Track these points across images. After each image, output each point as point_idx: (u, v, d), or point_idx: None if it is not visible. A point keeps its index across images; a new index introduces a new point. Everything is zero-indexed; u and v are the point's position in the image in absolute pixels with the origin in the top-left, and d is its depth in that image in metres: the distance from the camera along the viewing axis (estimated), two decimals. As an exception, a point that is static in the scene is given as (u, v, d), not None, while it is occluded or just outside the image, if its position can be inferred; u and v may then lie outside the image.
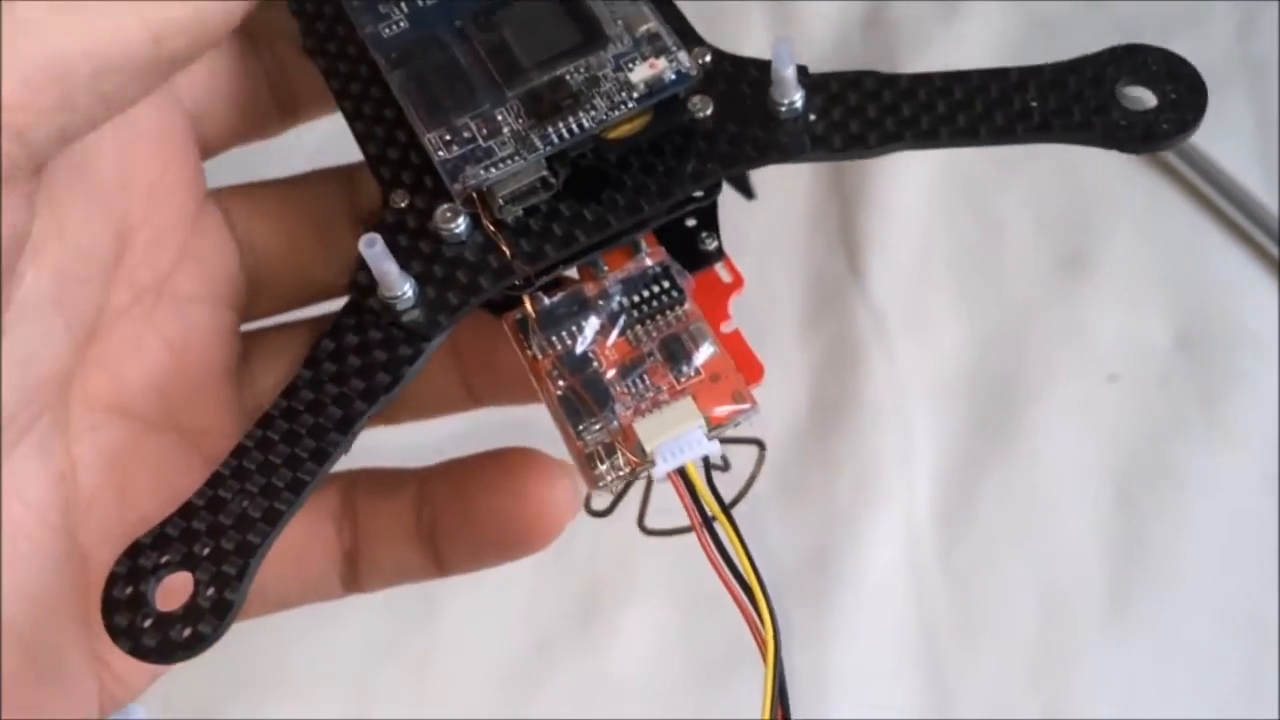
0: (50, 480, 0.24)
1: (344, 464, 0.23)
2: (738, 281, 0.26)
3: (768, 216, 0.47)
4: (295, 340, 0.29)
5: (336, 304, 0.29)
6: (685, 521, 0.22)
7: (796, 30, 0.52)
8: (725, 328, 0.25)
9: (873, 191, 0.48)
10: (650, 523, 0.27)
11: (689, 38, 0.25)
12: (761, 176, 0.48)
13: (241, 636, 0.41)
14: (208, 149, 0.28)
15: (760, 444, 0.25)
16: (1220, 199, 0.47)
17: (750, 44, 0.51)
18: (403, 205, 0.24)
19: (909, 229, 0.47)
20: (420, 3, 0.25)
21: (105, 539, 0.25)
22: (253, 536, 0.21)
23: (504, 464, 0.27)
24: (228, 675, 0.41)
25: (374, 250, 0.22)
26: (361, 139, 0.25)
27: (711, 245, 0.26)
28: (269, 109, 0.29)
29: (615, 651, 0.41)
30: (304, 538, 0.28)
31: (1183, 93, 0.23)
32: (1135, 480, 0.43)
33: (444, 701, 0.41)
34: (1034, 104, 0.23)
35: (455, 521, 0.27)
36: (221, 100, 0.28)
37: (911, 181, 0.48)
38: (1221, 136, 0.48)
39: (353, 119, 0.25)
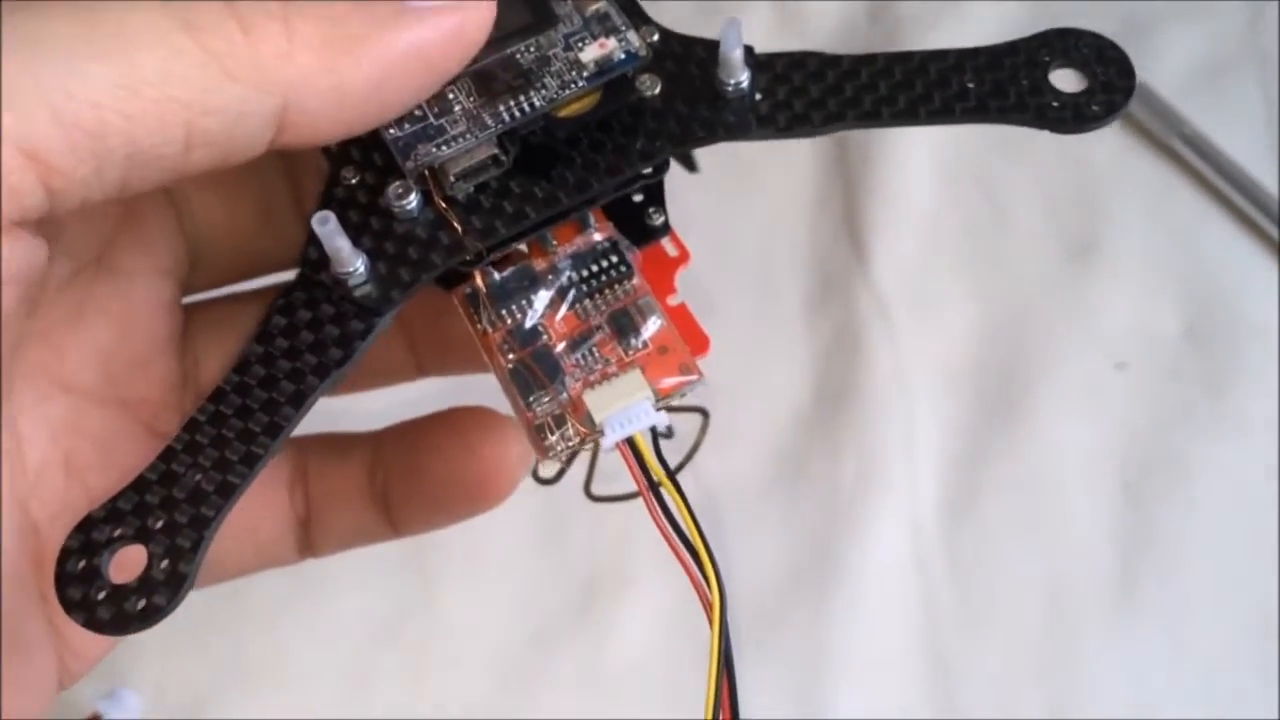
0: None
1: (296, 430, 0.23)
2: (684, 255, 0.26)
3: (772, 203, 0.47)
4: (238, 313, 0.29)
5: (278, 277, 0.29)
6: (632, 488, 0.23)
7: (800, 28, 0.52)
8: (672, 301, 0.26)
9: (877, 177, 0.48)
10: (597, 489, 0.28)
11: (637, 17, 0.25)
12: (765, 163, 0.49)
13: (236, 623, 0.41)
14: None
15: (704, 412, 0.26)
16: (1229, 188, 0.48)
17: (753, 36, 0.51)
18: (353, 181, 0.24)
19: (914, 215, 0.48)
20: None
21: (55, 513, 0.25)
22: (206, 509, 0.21)
23: (454, 423, 0.28)
24: (222, 663, 0.42)
25: (327, 228, 0.22)
26: None
27: (658, 220, 0.26)
28: None
29: (613, 639, 0.42)
30: (257, 505, 0.28)
31: (1112, 76, 0.24)
32: (1142, 469, 0.43)
33: (442, 689, 0.41)
34: (970, 85, 0.24)
35: (407, 482, 0.28)
36: None
37: (916, 168, 0.48)
38: (1231, 126, 0.48)
39: None
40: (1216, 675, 0.40)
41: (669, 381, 0.23)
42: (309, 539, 0.29)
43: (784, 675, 0.41)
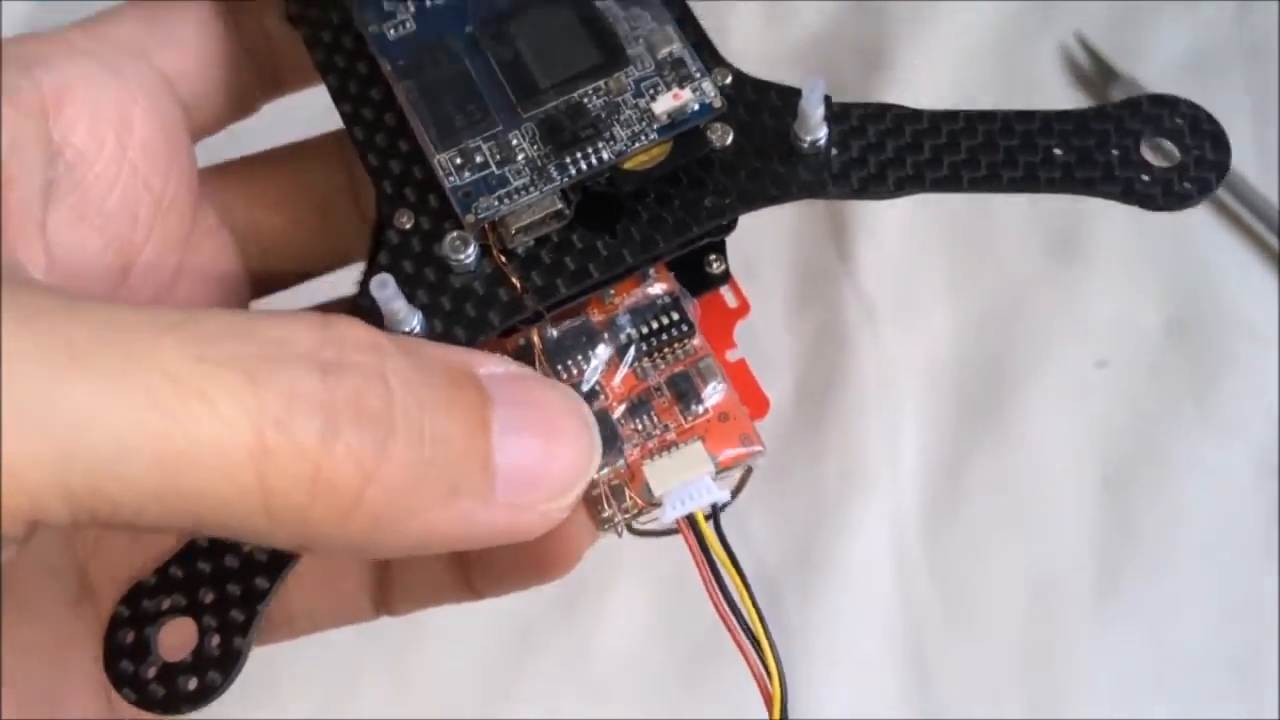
0: None
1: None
2: (744, 307, 0.25)
3: None
4: None
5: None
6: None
7: (790, 5, 0.50)
8: (731, 355, 0.25)
9: None
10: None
11: (711, 57, 0.24)
12: None
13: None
14: (197, 136, 0.27)
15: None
16: None
17: (740, 26, 0.50)
18: (408, 226, 0.23)
19: (897, 214, 0.47)
20: (428, 3, 0.24)
21: (114, 578, 0.24)
22: (260, 581, 0.21)
23: None
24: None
25: (385, 293, 0.21)
26: (362, 147, 0.24)
27: (719, 268, 0.25)
28: (256, 86, 0.28)
29: (598, 638, 0.41)
30: (336, 562, 0.27)
31: (1205, 150, 0.23)
32: (1124, 467, 0.43)
33: (427, 688, 0.41)
34: (1057, 151, 0.23)
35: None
36: (213, 87, 0.27)
37: None
38: (1216, 116, 0.47)
39: (352, 123, 0.24)
40: (1198, 672, 0.41)
41: (730, 454, 0.23)
42: (386, 597, 0.27)
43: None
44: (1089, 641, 0.41)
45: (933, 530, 0.42)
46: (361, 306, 0.22)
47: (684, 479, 0.22)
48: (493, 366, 0.20)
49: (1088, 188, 0.23)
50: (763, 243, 0.47)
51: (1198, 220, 0.47)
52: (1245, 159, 0.47)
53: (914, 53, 0.49)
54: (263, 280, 0.28)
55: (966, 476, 0.43)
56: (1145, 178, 0.23)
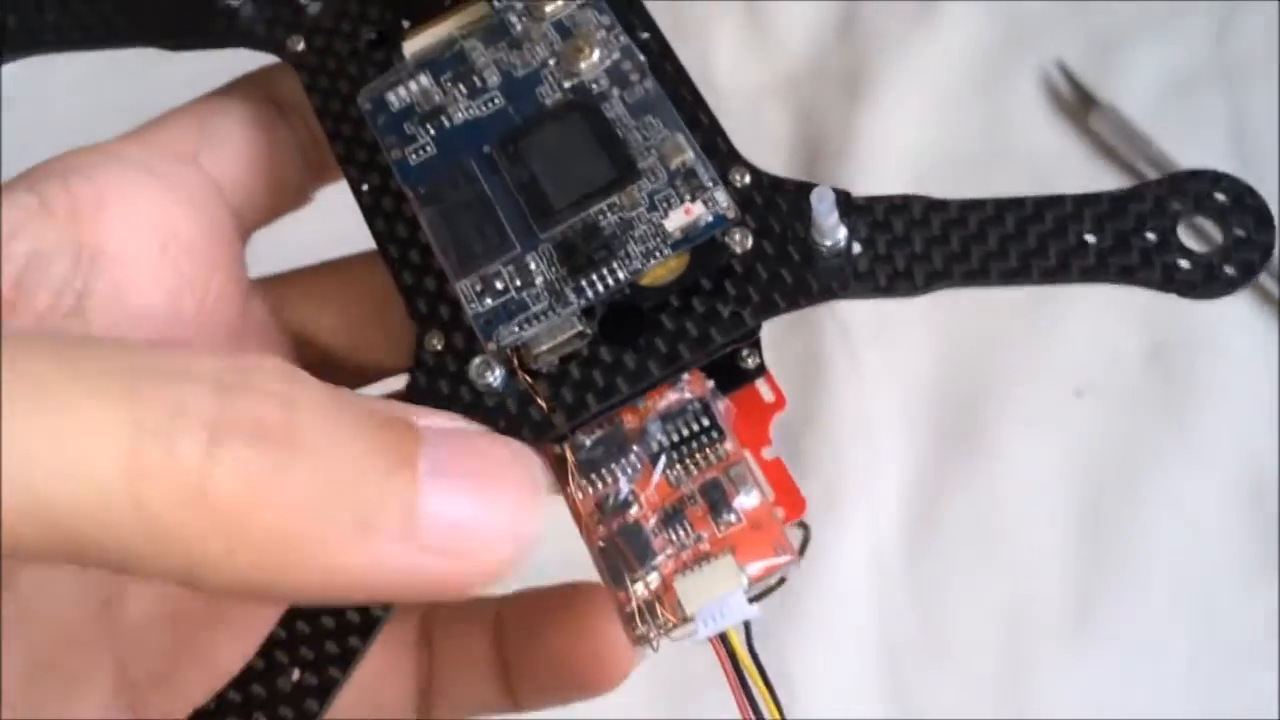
0: None
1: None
2: (780, 401, 0.25)
3: None
4: None
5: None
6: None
7: (771, 34, 0.51)
8: (767, 453, 0.25)
9: None
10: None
11: (727, 158, 0.24)
12: None
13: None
14: (248, 232, 0.28)
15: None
16: None
17: (724, 58, 0.51)
18: (439, 348, 0.23)
19: None
20: (446, 124, 0.24)
21: (159, 673, 0.25)
22: (310, 703, 0.22)
23: (576, 601, 0.27)
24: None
25: None
26: (395, 268, 0.24)
27: (753, 363, 0.25)
28: (306, 179, 0.28)
29: None
30: (382, 666, 0.27)
31: (1249, 227, 0.22)
32: (1101, 495, 0.43)
33: None
34: (1090, 238, 0.22)
35: (527, 655, 0.27)
36: (262, 184, 0.27)
37: (883, 191, 0.47)
38: (1196, 142, 0.48)
39: (385, 243, 0.24)
40: (1173, 699, 0.41)
41: (761, 566, 0.23)
42: (428, 704, 0.28)
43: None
44: (1064, 671, 0.41)
45: (911, 558, 0.43)
46: None
47: (716, 596, 0.22)
48: (438, 420, 0.20)
49: (1123, 276, 0.22)
50: None
51: None
52: None
53: (896, 81, 0.50)
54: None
55: (944, 505, 0.44)
56: (1185, 264, 0.22)
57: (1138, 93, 0.50)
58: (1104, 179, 0.49)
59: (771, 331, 0.45)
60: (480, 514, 0.19)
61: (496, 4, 0.25)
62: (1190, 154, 0.48)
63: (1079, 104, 0.50)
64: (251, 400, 0.17)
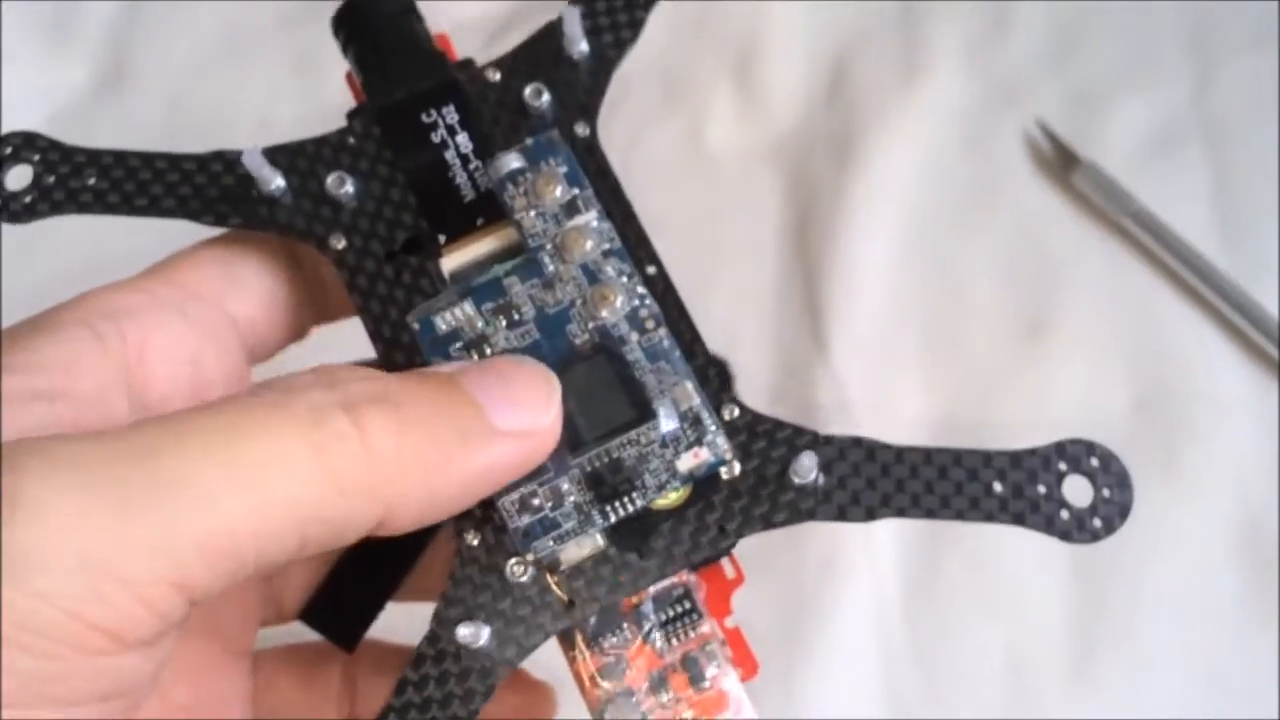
0: None
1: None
2: (739, 577, 0.31)
3: (735, 285, 0.50)
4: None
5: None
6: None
7: (761, 100, 0.54)
8: (728, 622, 0.30)
9: (837, 262, 0.50)
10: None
11: (715, 391, 0.29)
12: (728, 250, 0.51)
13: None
14: (253, 363, 0.32)
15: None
16: (1177, 263, 0.50)
17: (716, 124, 0.53)
18: (474, 544, 0.28)
19: (871, 299, 0.50)
20: (488, 352, 0.29)
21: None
22: None
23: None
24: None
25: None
26: None
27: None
28: (310, 318, 0.33)
29: None
30: (309, 711, 0.33)
31: (1113, 487, 0.28)
32: (1096, 546, 0.44)
33: None
34: (996, 486, 0.29)
35: None
36: (274, 323, 0.32)
37: (874, 252, 0.51)
38: (1176, 198, 0.50)
39: None
40: None
41: (728, 723, 0.29)
42: None
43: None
44: (1066, 713, 0.43)
45: (912, 614, 0.45)
46: (441, 615, 0.28)
47: (695, 751, 0.28)
48: (453, 365, 0.28)
49: (1019, 520, 0.28)
50: (741, 327, 0.50)
51: (1162, 299, 0.50)
52: (1206, 236, 0.50)
53: (883, 143, 0.53)
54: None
55: (943, 558, 0.45)
56: (1064, 515, 0.28)
57: (1119, 150, 0.52)
58: (1088, 235, 0.51)
59: (768, 388, 0.49)
60: (518, 389, 0.27)
61: (530, 241, 0.30)
62: (1172, 209, 0.50)
63: (1061, 162, 0.52)
64: (352, 385, 0.25)
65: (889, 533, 0.47)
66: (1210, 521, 0.46)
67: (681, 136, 0.54)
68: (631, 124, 0.53)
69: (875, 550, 0.47)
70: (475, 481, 0.26)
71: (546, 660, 0.30)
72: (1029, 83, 0.54)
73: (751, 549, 0.47)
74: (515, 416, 0.26)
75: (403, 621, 0.33)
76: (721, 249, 0.51)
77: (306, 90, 0.51)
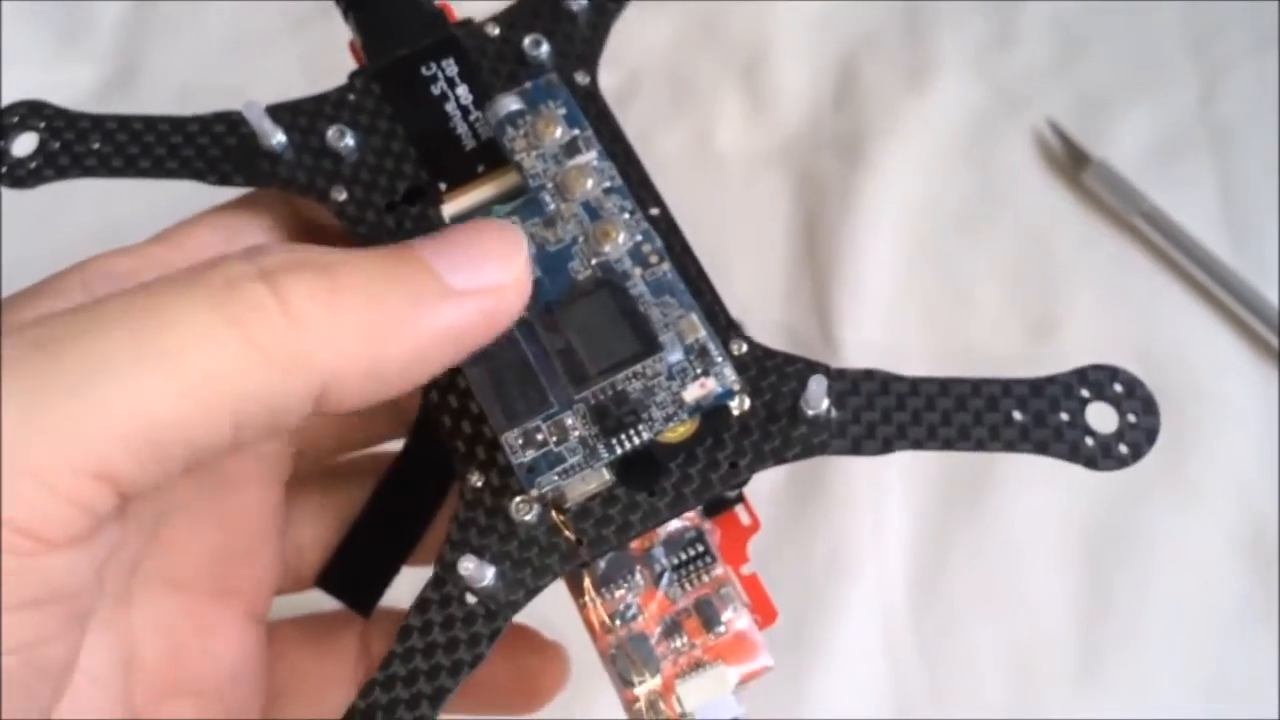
0: (113, 654, 0.28)
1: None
2: (755, 524, 0.30)
3: (744, 286, 0.50)
4: (337, 491, 0.34)
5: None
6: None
7: (769, 103, 0.54)
8: (744, 569, 0.30)
9: (845, 263, 0.50)
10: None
11: (724, 327, 0.28)
12: (736, 254, 0.51)
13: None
14: None
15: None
16: (1186, 261, 0.50)
17: (725, 127, 0.53)
18: (479, 485, 0.28)
19: (880, 300, 0.50)
20: None
21: (155, 697, 0.28)
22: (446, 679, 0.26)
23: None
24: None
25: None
26: (436, 411, 0.28)
27: (733, 493, 0.30)
28: None
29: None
30: (323, 681, 0.33)
31: (1139, 413, 0.28)
32: (1101, 543, 0.45)
33: None
34: (1016, 414, 0.28)
35: None
36: None
37: (882, 252, 0.51)
38: (1185, 199, 0.50)
39: (427, 390, 0.29)
40: None
41: (745, 670, 0.28)
42: None
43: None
44: (1071, 714, 0.43)
45: (919, 613, 0.45)
46: (443, 559, 0.27)
47: (710, 697, 0.27)
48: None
49: (1041, 448, 0.27)
50: (752, 331, 0.49)
51: (1171, 298, 0.50)
52: (1215, 236, 0.50)
53: (892, 145, 0.53)
54: (306, 460, 0.34)
55: (949, 558, 0.45)
56: (1089, 441, 0.27)
57: (1128, 151, 0.52)
58: (1097, 234, 0.51)
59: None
60: (476, 244, 0.25)
61: (531, 181, 0.29)
62: (1180, 209, 0.50)
63: (1071, 161, 0.52)
64: (272, 255, 0.23)
65: (896, 532, 0.46)
66: (1216, 521, 0.46)
67: (690, 139, 0.54)
68: (641, 126, 0.53)
69: (882, 549, 0.46)
70: (431, 347, 0.24)
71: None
72: (1035, 87, 0.54)
73: (756, 549, 0.47)
74: (474, 275, 0.24)
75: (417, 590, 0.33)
76: (730, 250, 0.51)
77: (315, 90, 0.51)
